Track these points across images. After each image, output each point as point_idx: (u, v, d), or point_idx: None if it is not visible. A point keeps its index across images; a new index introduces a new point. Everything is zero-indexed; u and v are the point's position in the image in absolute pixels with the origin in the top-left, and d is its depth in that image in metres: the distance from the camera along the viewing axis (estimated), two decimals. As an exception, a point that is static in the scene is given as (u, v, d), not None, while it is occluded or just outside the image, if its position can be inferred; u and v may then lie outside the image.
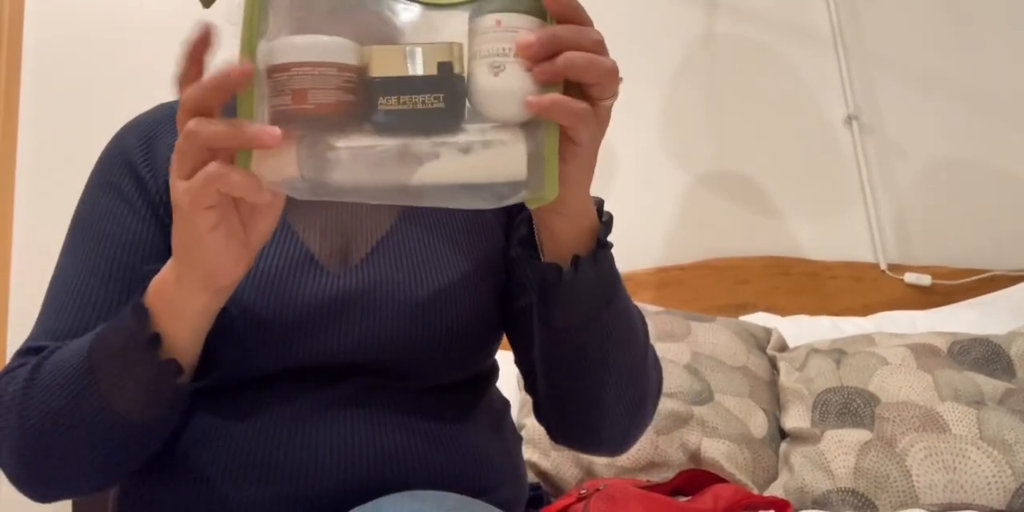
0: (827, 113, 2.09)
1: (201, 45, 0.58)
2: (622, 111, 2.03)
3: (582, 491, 1.09)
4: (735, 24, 2.13)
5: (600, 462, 1.39)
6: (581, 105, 0.55)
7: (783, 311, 1.87)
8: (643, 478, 1.36)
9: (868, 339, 1.54)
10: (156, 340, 0.62)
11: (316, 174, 0.52)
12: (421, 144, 0.52)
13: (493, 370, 0.85)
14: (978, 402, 1.34)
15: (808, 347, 1.58)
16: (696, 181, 2.05)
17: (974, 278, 1.94)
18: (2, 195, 1.90)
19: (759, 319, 1.79)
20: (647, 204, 2.02)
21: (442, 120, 0.53)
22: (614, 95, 0.57)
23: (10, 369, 0.70)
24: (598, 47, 0.55)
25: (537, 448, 1.42)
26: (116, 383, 0.63)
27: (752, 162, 2.07)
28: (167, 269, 0.62)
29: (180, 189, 0.54)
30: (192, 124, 0.53)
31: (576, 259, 0.66)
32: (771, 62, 2.11)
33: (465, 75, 0.54)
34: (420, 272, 0.76)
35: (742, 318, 1.78)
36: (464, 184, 0.53)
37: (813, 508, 1.29)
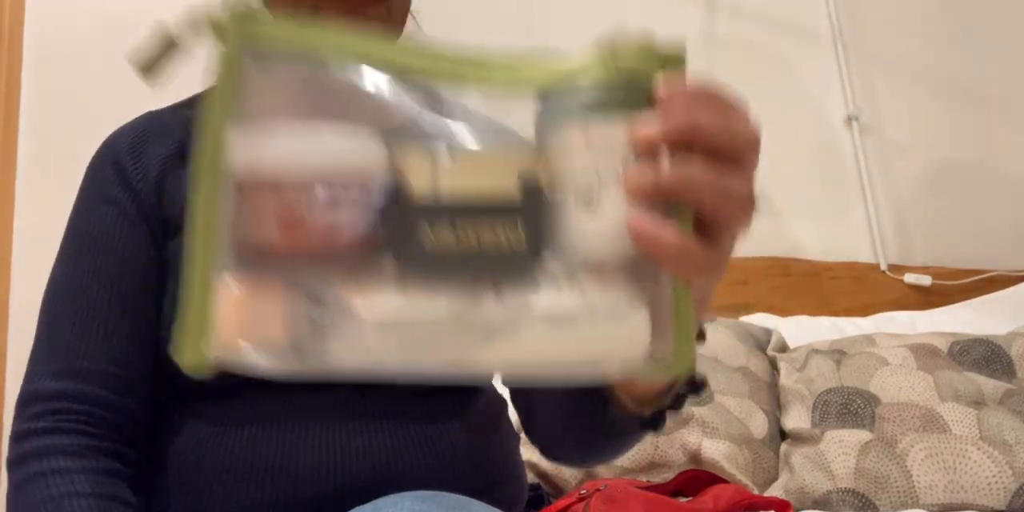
0: (827, 113, 2.09)
1: None
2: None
3: (582, 491, 1.09)
4: (735, 24, 2.13)
5: (600, 462, 1.39)
6: (694, 247, 0.38)
7: (783, 312, 1.87)
8: (643, 478, 1.36)
9: (868, 339, 1.54)
10: None
11: (317, 346, 0.34)
12: (490, 309, 0.35)
13: None
14: (978, 402, 1.34)
15: (808, 348, 1.58)
16: (696, 181, 2.05)
17: (974, 278, 1.94)
18: (2, 195, 1.90)
19: (759, 320, 1.79)
20: (647, 204, 2.02)
21: (519, 266, 0.36)
22: (746, 225, 0.40)
23: (25, 433, 0.71)
24: (740, 148, 0.38)
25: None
26: None
27: (752, 162, 2.06)
28: None
29: None
30: None
31: (660, 413, 0.60)
32: (771, 62, 2.11)
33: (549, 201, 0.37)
34: None
35: (742, 319, 1.78)
36: (557, 363, 0.37)
37: (813, 508, 1.29)
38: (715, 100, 0.40)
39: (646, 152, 0.37)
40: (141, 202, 0.77)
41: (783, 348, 1.65)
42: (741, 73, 2.11)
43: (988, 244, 2.02)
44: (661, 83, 0.39)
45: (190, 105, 0.85)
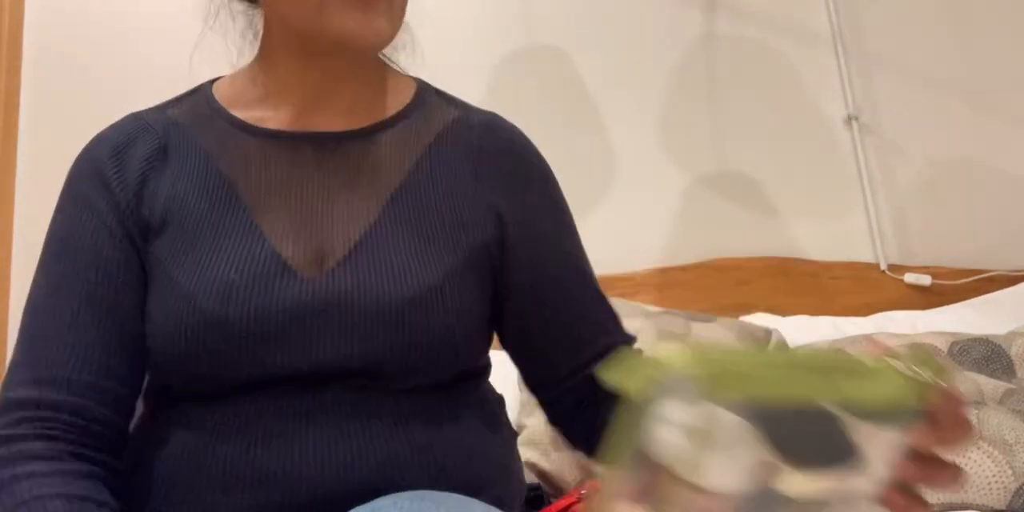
0: (827, 113, 2.09)
1: None
2: (622, 111, 2.04)
3: (583, 491, 1.09)
4: (735, 24, 2.13)
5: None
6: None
7: (784, 311, 1.87)
8: (643, 478, 1.36)
9: (868, 339, 1.53)
10: None
11: None
12: None
13: (485, 366, 0.85)
14: (978, 402, 1.34)
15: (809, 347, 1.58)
16: (696, 181, 2.05)
17: (974, 278, 1.94)
18: (2, 195, 1.90)
19: (760, 319, 1.79)
20: (647, 204, 2.02)
21: None
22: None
23: (1, 440, 0.70)
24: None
25: (537, 448, 1.42)
26: None
27: (752, 162, 2.06)
28: None
29: None
30: None
31: None
32: (771, 62, 2.11)
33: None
34: (399, 274, 0.74)
35: (743, 319, 1.78)
36: None
37: (813, 508, 1.29)
38: (962, 409, 0.53)
39: (918, 453, 0.52)
40: (121, 208, 0.77)
41: (784, 348, 1.65)
42: (741, 73, 2.12)
43: (988, 244, 2.02)
44: (934, 400, 0.51)
45: (173, 105, 0.84)
